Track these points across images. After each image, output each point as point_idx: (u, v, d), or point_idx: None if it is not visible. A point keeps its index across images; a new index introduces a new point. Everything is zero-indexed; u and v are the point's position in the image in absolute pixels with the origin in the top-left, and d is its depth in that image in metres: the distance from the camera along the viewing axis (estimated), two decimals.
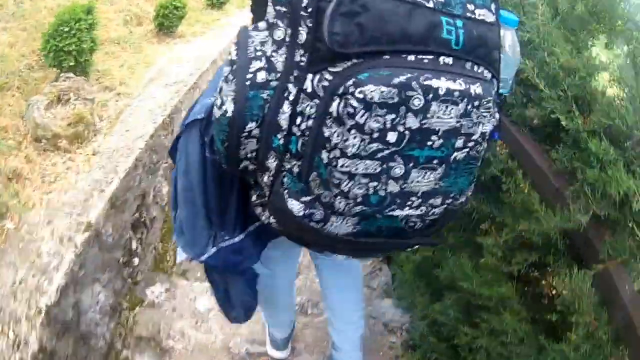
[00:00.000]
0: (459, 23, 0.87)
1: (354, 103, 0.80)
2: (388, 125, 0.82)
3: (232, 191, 1.17)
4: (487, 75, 0.94)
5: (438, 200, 0.97)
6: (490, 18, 0.94)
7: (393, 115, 0.82)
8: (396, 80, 0.81)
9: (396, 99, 0.81)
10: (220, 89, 0.93)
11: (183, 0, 5.08)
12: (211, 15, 6.10)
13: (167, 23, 4.98)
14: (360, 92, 0.80)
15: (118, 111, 3.48)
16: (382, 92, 0.80)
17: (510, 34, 1.12)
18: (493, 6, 0.96)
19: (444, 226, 1.09)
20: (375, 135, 0.83)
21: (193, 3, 6.18)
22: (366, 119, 0.81)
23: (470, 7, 0.91)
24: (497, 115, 0.97)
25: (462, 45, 0.87)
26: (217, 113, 0.93)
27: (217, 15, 6.23)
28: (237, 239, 1.22)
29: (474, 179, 1.02)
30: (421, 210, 0.96)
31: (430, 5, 0.85)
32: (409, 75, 0.82)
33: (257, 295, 1.51)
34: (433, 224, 1.04)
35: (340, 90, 0.82)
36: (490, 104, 0.91)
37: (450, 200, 0.99)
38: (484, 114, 0.91)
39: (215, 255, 1.23)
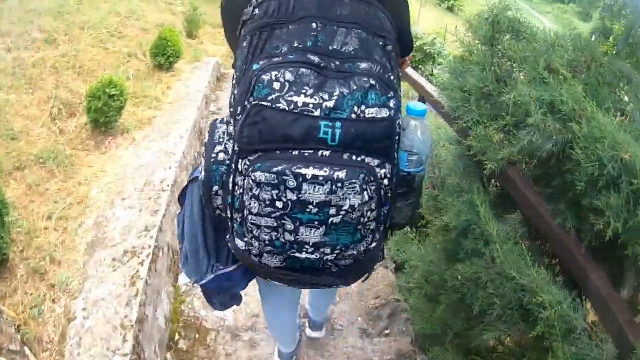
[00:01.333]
0: (338, 125, 1.18)
1: (251, 183, 1.21)
2: (275, 197, 1.20)
3: (226, 232, 1.44)
4: (371, 161, 1.24)
5: (328, 250, 1.29)
6: (384, 114, 1.23)
7: (276, 191, 1.20)
8: (274, 169, 1.19)
9: (276, 181, 1.19)
10: (200, 162, 1.36)
11: (119, 82, 3.99)
12: (160, 84, 5.01)
13: (103, 119, 3.90)
14: (254, 176, 1.21)
15: None
16: (265, 176, 1.19)
17: (420, 122, 1.36)
18: (392, 103, 1.24)
19: (367, 271, 1.50)
20: (268, 202, 1.22)
21: (137, 65, 5.06)
22: (259, 192, 1.21)
23: (361, 108, 1.20)
24: (373, 191, 1.24)
25: (339, 142, 1.19)
26: (199, 176, 1.39)
27: (167, 80, 5.16)
28: (230, 269, 1.58)
29: (363, 238, 1.30)
30: (316, 256, 1.30)
31: (317, 114, 1.18)
32: (285, 165, 1.18)
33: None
34: (352, 269, 1.38)
35: (247, 173, 1.23)
36: (357, 185, 1.20)
37: (338, 252, 1.30)
38: (349, 192, 1.20)
39: (212, 281, 1.58)
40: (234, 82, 1.30)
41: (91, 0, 6.98)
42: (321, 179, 1.18)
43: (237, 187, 1.28)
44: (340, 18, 1.24)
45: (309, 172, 1.18)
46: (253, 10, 1.26)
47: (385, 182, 1.28)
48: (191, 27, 7.39)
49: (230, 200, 1.30)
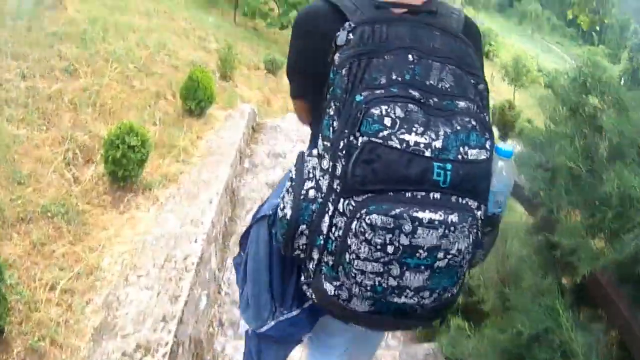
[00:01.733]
0: (448, 166, 1.09)
1: (365, 226, 1.08)
2: (387, 241, 1.09)
3: (292, 274, 1.39)
4: (472, 203, 1.16)
5: (427, 294, 1.18)
6: (483, 156, 1.15)
7: (390, 235, 1.08)
8: (392, 212, 1.07)
9: (392, 225, 1.07)
10: (283, 197, 1.23)
11: (141, 130, 3.46)
12: (190, 133, 4.47)
13: (121, 172, 3.36)
14: (369, 219, 1.08)
15: None
16: (382, 220, 1.07)
17: (506, 163, 1.31)
18: (488, 144, 1.16)
19: (447, 312, 1.33)
20: (379, 247, 1.09)
21: (165, 107, 4.55)
22: (372, 237, 1.08)
23: (464, 149, 1.11)
24: (474, 234, 1.16)
25: (449, 184, 1.10)
26: (279, 214, 1.23)
27: (197, 127, 4.63)
28: (294, 313, 1.44)
29: (458, 279, 1.21)
30: (414, 300, 1.18)
31: (428, 154, 1.08)
32: (402, 209, 1.07)
33: None
34: (434, 311, 1.26)
35: (358, 215, 1.09)
36: (465, 228, 1.13)
37: (436, 295, 1.19)
38: (459, 235, 1.12)
39: (274, 327, 1.46)
40: (330, 112, 1.17)
41: (118, 28, 6.58)
42: (436, 222, 1.10)
43: (334, 229, 1.15)
44: (434, 51, 1.16)
45: (426, 215, 1.09)
46: (347, 35, 1.16)
47: (479, 222, 1.19)
48: (225, 67, 6.88)
49: (320, 242, 1.19)
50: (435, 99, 1.12)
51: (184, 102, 4.87)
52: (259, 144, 5.46)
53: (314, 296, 1.27)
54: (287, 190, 1.22)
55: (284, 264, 1.39)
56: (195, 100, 4.82)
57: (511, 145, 1.40)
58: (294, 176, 1.23)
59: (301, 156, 1.26)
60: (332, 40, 1.18)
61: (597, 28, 66.25)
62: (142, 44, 6.36)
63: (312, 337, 1.60)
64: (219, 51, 7.07)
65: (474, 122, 1.14)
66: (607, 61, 60.29)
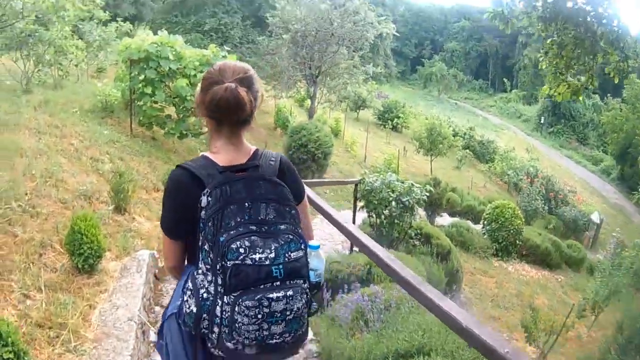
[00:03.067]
0: (280, 267, 1.90)
1: (243, 307, 1.85)
2: (256, 313, 1.85)
3: (199, 348, 2.02)
4: (299, 281, 1.96)
5: (286, 336, 1.94)
6: (300, 254, 1.97)
7: (257, 309, 1.85)
8: (256, 297, 1.84)
9: (257, 304, 1.84)
10: (187, 300, 1.97)
11: (14, 336, 2.85)
12: (81, 300, 3.94)
13: None
14: (245, 304, 1.84)
15: None
16: (252, 303, 1.83)
17: (315, 253, 2.15)
18: (302, 246, 1.99)
19: (301, 344, 2.09)
20: (253, 317, 1.86)
21: (53, 261, 4.03)
22: (248, 312, 1.85)
23: (288, 254, 1.93)
24: (305, 297, 1.98)
25: (283, 275, 1.90)
26: (187, 311, 1.95)
27: (89, 292, 4.12)
28: None
29: (303, 324, 1.99)
30: (280, 340, 1.92)
31: (267, 263, 1.87)
32: (261, 294, 1.85)
33: None
34: (293, 345, 2.01)
35: (238, 302, 1.85)
36: (298, 295, 1.93)
37: (292, 335, 1.96)
38: (295, 300, 1.93)
39: None
40: (206, 248, 1.93)
41: (4, 151, 5.98)
42: (281, 296, 1.89)
43: (224, 313, 1.87)
44: (261, 196, 1.98)
45: (274, 295, 1.88)
46: (206, 198, 1.94)
47: (307, 291, 2.01)
48: (118, 199, 6.24)
49: (217, 321, 1.88)
50: (266, 227, 1.92)
51: (70, 257, 4.32)
52: (163, 298, 4.89)
53: (221, 353, 1.93)
54: (189, 296, 1.95)
55: (193, 343, 2.02)
56: (82, 256, 4.25)
57: (317, 242, 2.18)
58: (191, 287, 1.96)
59: (192, 274, 1.99)
60: (196, 200, 1.95)
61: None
62: (29, 172, 5.80)
63: None
64: (111, 181, 6.45)
65: (291, 236, 1.95)
66: (521, 104, 62.13)
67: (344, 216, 9.56)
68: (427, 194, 8.35)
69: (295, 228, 2.00)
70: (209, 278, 1.91)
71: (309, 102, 25.60)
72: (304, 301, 1.96)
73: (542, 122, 52.85)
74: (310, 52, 20.14)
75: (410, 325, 4.12)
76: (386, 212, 7.97)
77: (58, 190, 5.81)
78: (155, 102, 11.09)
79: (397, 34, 23.39)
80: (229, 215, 1.90)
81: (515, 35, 69.12)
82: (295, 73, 20.64)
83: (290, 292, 1.91)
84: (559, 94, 8.75)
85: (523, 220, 17.33)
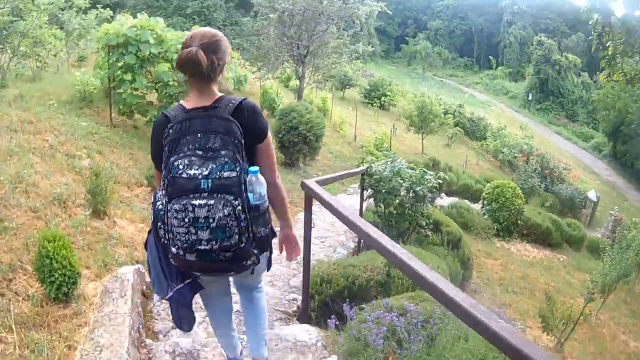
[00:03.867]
0: (210, 181, 2.25)
1: (173, 211, 2.26)
2: (183, 217, 2.25)
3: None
4: (229, 197, 2.28)
5: (213, 243, 2.30)
6: (233, 175, 2.30)
7: (184, 214, 2.24)
8: (182, 202, 2.24)
9: (183, 209, 2.23)
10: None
11: None
12: (58, 338, 3.20)
13: None
14: (173, 209, 2.26)
15: None
16: (178, 207, 2.24)
17: (255, 177, 2.38)
18: (238, 169, 2.32)
19: (244, 261, 2.47)
20: (180, 219, 2.25)
21: (24, 288, 3.32)
22: (176, 215, 2.25)
23: (221, 173, 2.27)
24: (227, 210, 2.28)
25: (210, 188, 2.25)
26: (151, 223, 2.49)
27: (67, 328, 3.38)
28: (180, 286, 2.55)
29: (232, 235, 2.31)
30: (209, 247, 2.30)
31: (200, 177, 2.25)
32: (186, 200, 2.23)
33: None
34: (231, 258, 2.39)
35: (168, 208, 2.30)
36: (220, 206, 2.26)
37: (220, 243, 2.31)
38: (216, 210, 2.25)
39: (172, 296, 2.55)
40: (164, 170, 2.37)
41: None
42: (203, 204, 2.23)
43: (167, 218, 2.32)
44: (212, 130, 2.36)
45: (197, 202, 2.23)
46: (169, 130, 2.39)
47: (239, 207, 2.31)
48: (97, 202, 5.36)
49: (167, 229, 2.34)
50: (211, 153, 2.32)
51: (42, 283, 3.53)
52: (155, 322, 4.05)
53: (175, 263, 2.46)
54: (152, 211, 2.48)
55: (166, 256, 2.50)
56: (54, 284, 3.47)
57: (257, 167, 2.42)
58: (153, 201, 2.48)
59: (155, 193, 2.50)
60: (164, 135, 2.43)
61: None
62: None
63: (204, 300, 2.96)
64: (86, 182, 5.55)
65: (227, 159, 2.31)
66: (508, 81, 62.38)
67: (342, 201, 8.96)
68: (440, 181, 7.62)
69: (234, 154, 2.33)
70: (162, 193, 2.37)
71: (295, 82, 24.97)
72: (226, 212, 2.26)
73: (530, 99, 52.54)
74: (299, 32, 19.27)
75: (456, 350, 3.42)
76: (397, 202, 7.27)
77: (29, 197, 5.05)
78: (136, 89, 10.26)
79: (389, 12, 22.52)
80: (184, 144, 2.33)
81: (501, 14, 68.71)
82: (282, 54, 19.78)
83: (212, 202, 2.23)
84: (616, 81, 8.04)
85: (524, 200, 16.81)
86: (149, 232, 2.60)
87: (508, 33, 67.71)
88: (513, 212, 15.45)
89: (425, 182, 7.34)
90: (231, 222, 2.28)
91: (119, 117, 10.46)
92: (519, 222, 15.76)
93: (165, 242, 2.39)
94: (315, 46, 19.83)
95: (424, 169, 7.81)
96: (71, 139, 7.71)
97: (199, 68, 2.37)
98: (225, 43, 2.52)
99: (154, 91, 10.55)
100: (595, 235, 21.41)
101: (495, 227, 15.39)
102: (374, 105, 33.51)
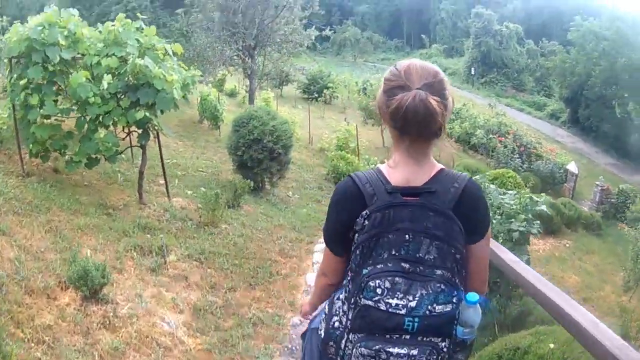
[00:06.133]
0: (417, 320, 1.66)
1: (357, 352, 1.72)
2: None
3: None
4: (436, 339, 1.70)
5: None
6: (448, 308, 1.69)
7: (373, 356, 1.71)
8: (374, 347, 1.70)
9: (374, 355, 1.70)
10: (321, 322, 1.96)
11: None
12: None
13: None
14: (360, 350, 1.71)
15: None
16: (368, 352, 1.70)
17: (473, 308, 1.74)
18: (455, 299, 1.70)
19: None
20: None
21: None
22: (353, 357, 1.74)
23: (432, 306, 1.67)
24: (440, 349, 1.73)
25: (416, 330, 1.67)
26: (319, 332, 1.96)
27: None
28: None
29: None
30: None
31: (403, 312, 1.66)
32: (380, 345, 1.69)
33: None
34: None
35: (357, 346, 1.74)
36: (423, 356, 1.69)
37: None
38: (413, 357, 1.70)
39: None
40: (348, 277, 1.84)
41: None
42: (403, 354, 1.68)
43: (346, 348, 1.78)
44: (426, 229, 1.70)
45: (395, 350, 1.68)
46: (363, 220, 1.74)
47: (444, 349, 1.74)
48: None
49: (340, 353, 1.81)
50: (421, 267, 1.69)
51: None
52: None
53: None
54: (323, 319, 1.94)
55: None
56: None
57: (477, 296, 1.74)
58: (326, 312, 1.93)
59: (331, 299, 1.95)
60: (353, 219, 1.78)
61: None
62: None
63: None
64: None
65: (443, 287, 1.69)
66: (443, 58, 62.19)
67: None
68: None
69: (452, 277, 1.74)
70: (345, 308, 1.84)
71: (231, 85, 23.10)
72: None
73: (472, 73, 51.39)
74: (244, 20, 16.66)
75: None
76: None
77: None
78: (47, 117, 7.16)
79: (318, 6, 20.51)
80: (383, 246, 1.73)
81: None
82: (226, 47, 17.05)
83: (414, 352, 1.71)
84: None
85: (527, 188, 15.06)
86: (311, 328, 2.25)
87: (439, 9, 67.06)
88: None
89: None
90: None
91: (34, 160, 7.49)
92: None
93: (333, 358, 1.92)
94: (266, 34, 17.47)
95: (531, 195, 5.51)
96: None
97: (433, 121, 1.70)
98: (447, 80, 1.84)
99: (74, 114, 7.39)
100: (583, 209, 20.65)
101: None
102: (317, 100, 31.56)
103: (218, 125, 16.65)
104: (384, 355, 1.69)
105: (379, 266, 1.69)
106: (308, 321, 2.31)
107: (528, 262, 4.36)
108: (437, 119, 1.69)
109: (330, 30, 36.36)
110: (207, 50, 17.39)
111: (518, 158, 23.16)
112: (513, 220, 4.96)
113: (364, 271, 1.71)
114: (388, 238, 1.70)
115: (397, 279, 1.67)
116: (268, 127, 11.31)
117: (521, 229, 4.89)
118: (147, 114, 7.02)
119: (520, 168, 22.20)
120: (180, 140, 14.66)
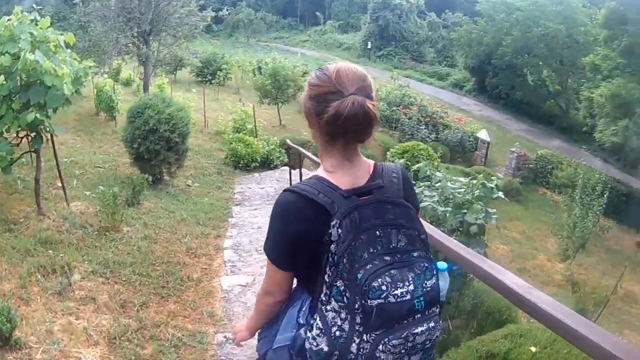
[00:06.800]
0: (421, 299, 1.75)
1: (389, 346, 1.72)
2: (402, 349, 1.74)
3: None
4: (435, 309, 1.82)
5: None
6: (434, 280, 1.80)
7: (402, 345, 1.73)
8: (403, 335, 1.72)
9: (403, 341, 1.73)
10: (315, 338, 1.81)
11: None
12: None
13: None
14: (391, 343, 1.71)
15: None
16: (399, 341, 1.71)
17: (442, 275, 1.98)
18: (435, 272, 1.82)
19: None
20: (397, 352, 1.75)
21: None
22: (394, 349, 1.73)
23: (424, 283, 1.77)
24: (438, 316, 1.86)
25: (423, 307, 1.76)
26: (315, 348, 1.80)
27: None
28: None
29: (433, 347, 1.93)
30: None
31: (408, 297, 1.72)
32: (405, 331, 1.73)
33: None
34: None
35: (382, 341, 1.72)
36: (437, 325, 1.82)
37: None
38: (435, 332, 1.81)
39: None
40: (341, 287, 1.76)
41: None
42: (424, 329, 1.76)
43: (362, 350, 1.72)
44: (390, 222, 1.78)
45: (418, 329, 1.75)
46: (337, 230, 1.73)
47: (439, 314, 1.87)
48: None
49: (351, 357, 1.74)
50: (398, 255, 1.76)
51: None
52: None
53: None
54: (318, 335, 1.81)
55: None
56: None
57: (444, 263, 2.02)
58: (321, 326, 1.81)
59: (322, 312, 1.82)
60: (321, 233, 1.77)
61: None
62: None
63: None
64: None
65: (426, 264, 1.79)
66: (338, 34, 62.38)
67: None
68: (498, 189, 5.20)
69: (427, 253, 1.87)
70: (343, 315, 1.80)
71: (126, 74, 22.48)
72: (438, 327, 1.88)
73: (369, 47, 51.81)
74: (140, 5, 15.86)
75: None
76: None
77: None
78: None
79: None
80: (360, 247, 1.76)
81: None
82: (121, 34, 16.14)
83: (432, 324, 1.83)
84: None
85: (439, 160, 15.06)
86: (271, 345, 2.10)
87: None
88: None
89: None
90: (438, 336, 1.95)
91: None
92: None
93: None
94: (162, 19, 16.79)
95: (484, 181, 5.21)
96: None
97: (371, 127, 1.79)
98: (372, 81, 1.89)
99: None
100: (498, 175, 20.95)
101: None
102: (211, 82, 30.71)
103: (114, 116, 15.70)
104: (411, 338, 1.78)
105: (368, 267, 1.73)
106: (239, 343, 2.33)
107: (485, 255, 4.05)
108: (374, 123, 1.77)
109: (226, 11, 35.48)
110: (103, 40, 16.52)
111: (425, 129, 23.37)
112: (466, 211, 4.68)
113: (359, 276, 1.73)
114: (362, 239, 1.75)
115: (392, 271, 1.74)
116: (164, 115, 10.51)
117: (479, 221, 4.62)
118: (38, 115, 6.20)
119: (427, 139, 22.34)
120: (77, 136, 13.73)
